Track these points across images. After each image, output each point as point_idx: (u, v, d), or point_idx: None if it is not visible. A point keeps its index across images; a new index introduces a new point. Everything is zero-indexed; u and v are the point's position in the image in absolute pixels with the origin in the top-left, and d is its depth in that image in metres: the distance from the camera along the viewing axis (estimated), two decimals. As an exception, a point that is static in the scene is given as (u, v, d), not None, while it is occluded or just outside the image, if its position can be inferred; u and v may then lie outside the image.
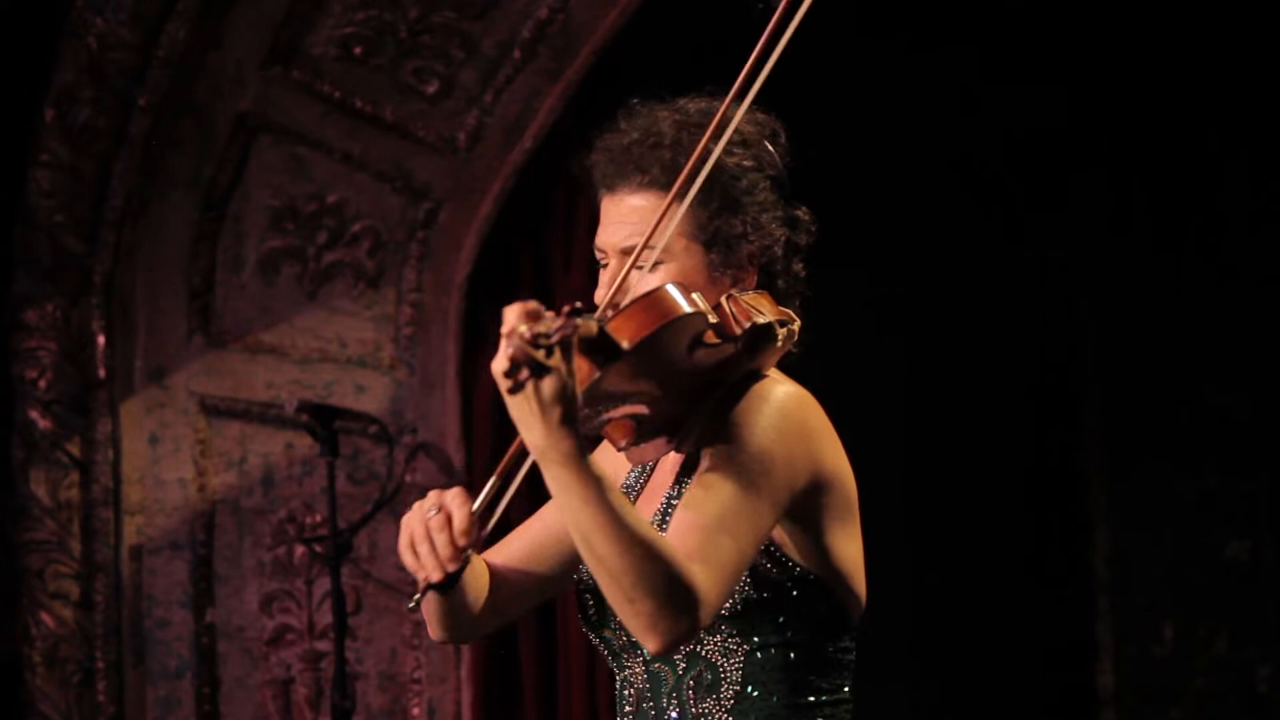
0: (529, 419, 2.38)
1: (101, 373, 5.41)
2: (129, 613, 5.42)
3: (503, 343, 2.33)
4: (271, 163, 5.58)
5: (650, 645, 2.46)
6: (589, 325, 2.39)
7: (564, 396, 2.36)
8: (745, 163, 2.69)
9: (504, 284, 5.77)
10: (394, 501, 5.54)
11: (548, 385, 2.35)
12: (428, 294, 5.72)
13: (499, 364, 2.34)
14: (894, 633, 5.62)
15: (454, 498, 2.59)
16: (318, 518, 5.54)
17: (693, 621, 2.46)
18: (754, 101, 2.65)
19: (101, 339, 5.41)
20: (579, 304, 2.37)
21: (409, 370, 5.71)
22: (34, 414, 5.33)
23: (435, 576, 2.60)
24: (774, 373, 2.70)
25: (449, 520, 2.58)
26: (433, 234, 5.72)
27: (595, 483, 2.41)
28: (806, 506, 2.62)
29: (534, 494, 2.57)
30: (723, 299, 2.65)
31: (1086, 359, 6.28)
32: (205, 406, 5.53)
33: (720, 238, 2.67)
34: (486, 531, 2.65)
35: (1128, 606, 6.21)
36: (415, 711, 5.66)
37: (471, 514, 2.59)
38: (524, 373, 2.31)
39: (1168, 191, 6.14)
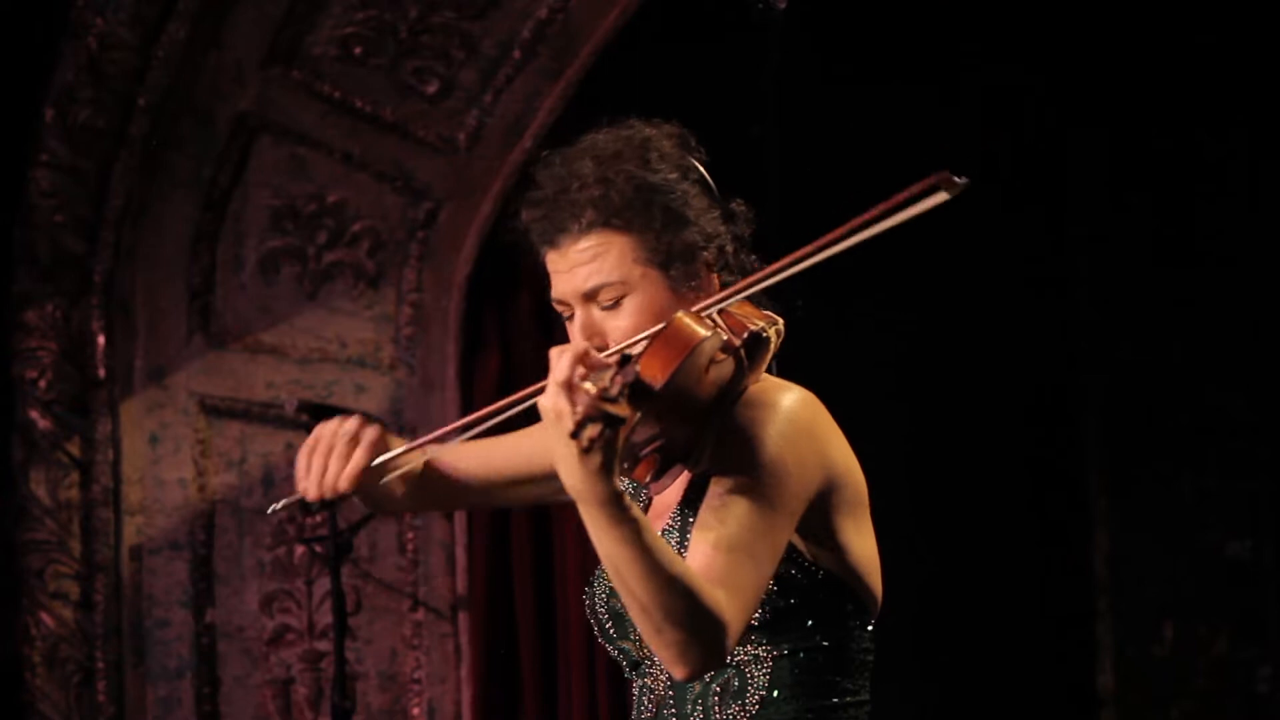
0: (573, 465, 2.37)
1: (101, 373, 5.41)
2: (129, 613, 5.42)
3: (559, 391, 2.33)
4: (271, 163, 5.58)
5: (678, 673, 2.48)
6: (633, 370, 2.37)
7: (612, 443, 2.36)
8: (670, 175, 2.69)
9: (504, 284, 5.77)
10: (394, 501, 5.53)
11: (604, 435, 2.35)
12: (428, 294, 5.72)
13: (557, 410, 2.33)
14: (894, 632, 5.60)
15: (369, 436, 2.63)
16: (318, 518, 5.54)
17: (719, 650, 2.48)
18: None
19: (101, 339, 5.40)
20: (627, 350, 2.38)
21: (409, 370, 5.71)
22: (34, 414, 5.33)
23: (310, 495, 2.63)
24: (767, 378, 2.70)
25: (349, 454, 2.60)
26: (433, 234, 5.72)
27: (632, 524, 2.41)
28: (822, 508, 2.63)
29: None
30: (714, 313, 2.64)
31: (1086, 359, 6.28)
32: (205, 406, 5.53)
33: (675, 254, 2.66)
34: (373, 483, 2.67)
35: (1128, 606, 6.21)
36: (415, 711, 5.66)
37: (369, 464, 2.63)
38: (597, 429, 2.30)
39: (1168, 191, 6.13)
